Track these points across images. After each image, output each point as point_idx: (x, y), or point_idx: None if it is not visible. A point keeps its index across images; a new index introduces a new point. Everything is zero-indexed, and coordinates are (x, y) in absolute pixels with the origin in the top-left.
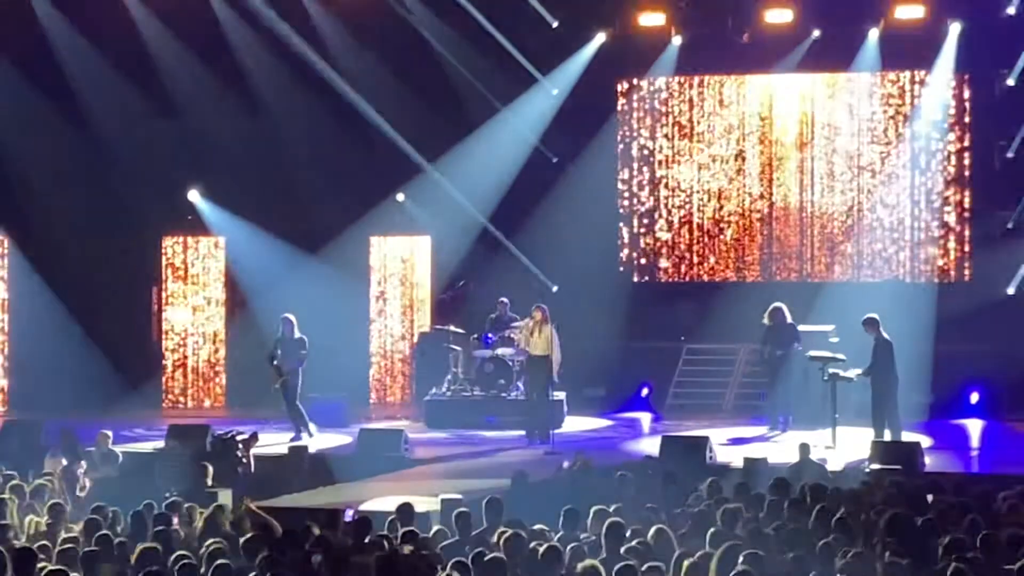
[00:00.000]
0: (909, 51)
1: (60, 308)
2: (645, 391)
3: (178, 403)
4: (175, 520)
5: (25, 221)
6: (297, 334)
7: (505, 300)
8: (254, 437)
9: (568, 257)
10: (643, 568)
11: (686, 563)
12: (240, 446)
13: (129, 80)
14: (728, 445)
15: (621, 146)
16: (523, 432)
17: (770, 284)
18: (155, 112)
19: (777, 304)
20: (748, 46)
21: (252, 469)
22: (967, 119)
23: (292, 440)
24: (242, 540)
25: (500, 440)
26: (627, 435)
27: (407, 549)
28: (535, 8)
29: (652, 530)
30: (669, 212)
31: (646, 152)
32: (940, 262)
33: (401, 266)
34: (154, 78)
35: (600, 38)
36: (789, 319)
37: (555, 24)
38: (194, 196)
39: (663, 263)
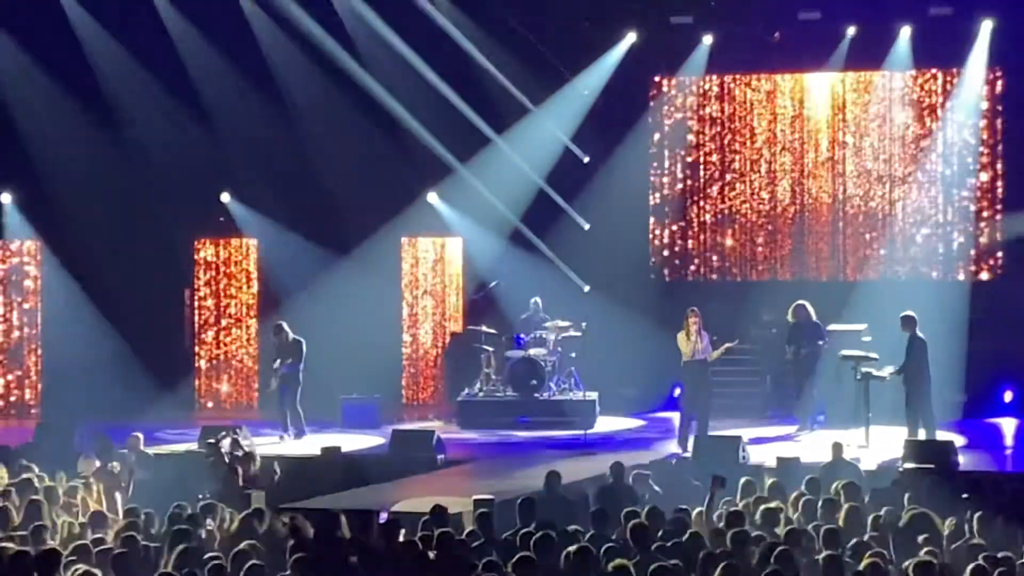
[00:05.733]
0: (941, 48)
1: (93, 311)
2: (677, 391)
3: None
4: (208, 522)
5: (58, 225)
6: (292, 337)
7: (538, 300)
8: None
9: (600, 257)
10: (672, 568)
11: (721, 565)
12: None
13: (160, 83)
14: (761, 444)
15: (652, 146)
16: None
17: (802, 283)
18: (187, 115)
19: (800, 302)
20: (779, 45)
21: (250, 474)
22: (999, 116)
23: (279, 440)
24: (274, 542)
25: (533, 440)
26: (659, 435)
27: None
28: (566, 8)
29: (687, 532)
30: (701, 211)
31: (677, 151)
32: (973, 260)
33: (433, 267)
34: (185, 81)
35: (631, 38)
36: (814, 317)
37: (586, 24)
38: (226, 198)
39: (695, 262)
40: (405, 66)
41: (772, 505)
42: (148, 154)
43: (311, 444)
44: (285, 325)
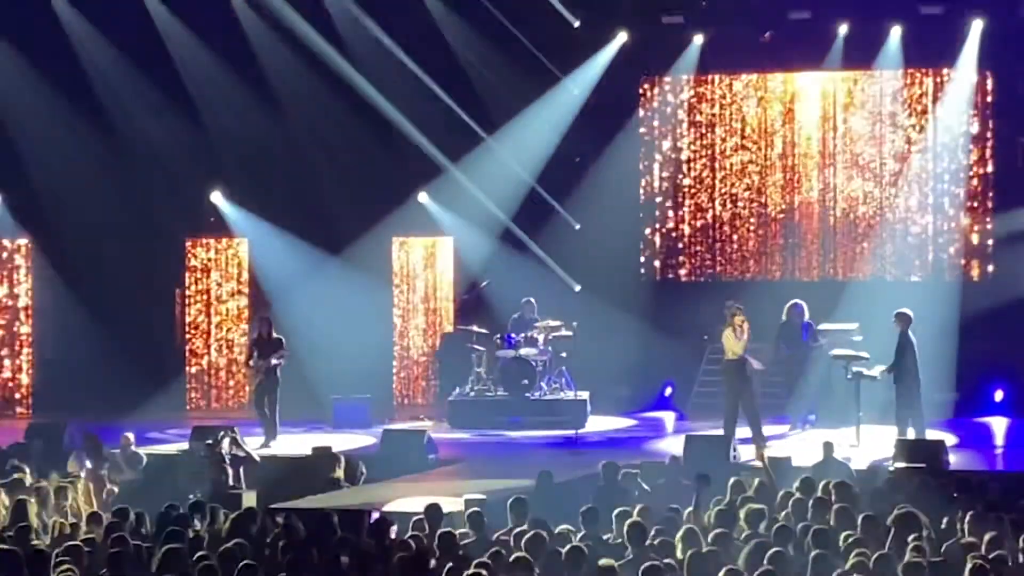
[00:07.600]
0: (932, 48)
1: (83, 310)
2: (668, 390)
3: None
4: (197, 521)
5: (48, 224)
6: (275, 335)
7: (529, 300)
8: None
9: (591, 256)
10: (663, 567)
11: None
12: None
13: (151, 82)
14: (751, 444)
15: (643, 145)
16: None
17: (793, 282)
18: (177, 115)
19: (795, 300)
20: (770, 44)
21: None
22: (990, 116)
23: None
24: (266, 541)
25: (524, 440)
26: (651, 434)
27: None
28: (557, 8)
29: (679, 531)
30: (691, 211)
31: (668, 151)
32: (963, 259)
33: (423, 267)
34: (176, 80)
35: (621, 37)
36: (807, 316)
37: (576, 24)
38: (217, 198)
39: (685, 262)
40: (396, 65)
41: (760, 505)
42: (139, 154)
43: (304, 444)
44: (271, 321)
